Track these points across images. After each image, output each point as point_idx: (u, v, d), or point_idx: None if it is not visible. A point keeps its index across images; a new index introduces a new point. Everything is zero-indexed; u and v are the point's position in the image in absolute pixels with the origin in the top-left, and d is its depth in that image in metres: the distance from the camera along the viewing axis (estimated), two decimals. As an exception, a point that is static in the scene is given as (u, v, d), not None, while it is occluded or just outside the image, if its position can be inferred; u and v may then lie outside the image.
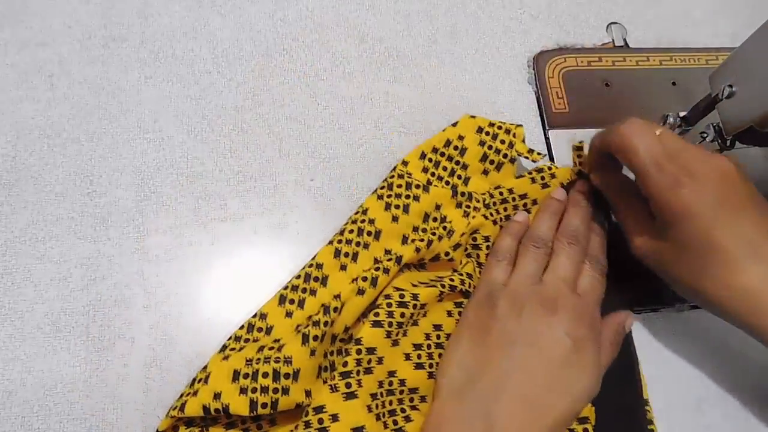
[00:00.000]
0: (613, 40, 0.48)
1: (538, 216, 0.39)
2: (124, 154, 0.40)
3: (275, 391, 0.31)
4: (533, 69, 0.46)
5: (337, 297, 0.34)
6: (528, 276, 0.35)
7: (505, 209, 0.39)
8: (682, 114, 0.38)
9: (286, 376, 0.31)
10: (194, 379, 0.33)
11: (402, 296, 0.34)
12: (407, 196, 0.38)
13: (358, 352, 0.32)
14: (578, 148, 0.40)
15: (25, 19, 0.43)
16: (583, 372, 0.32)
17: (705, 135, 0.37)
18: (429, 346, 0.35)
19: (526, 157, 0.40)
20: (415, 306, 0.34)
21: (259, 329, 0.35)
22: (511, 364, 0.32)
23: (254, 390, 0.31)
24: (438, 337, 0.35)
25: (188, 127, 0.41)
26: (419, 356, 0.34)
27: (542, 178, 0.39)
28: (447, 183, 0.39)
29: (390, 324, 0.33)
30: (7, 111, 0.40)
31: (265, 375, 0.31)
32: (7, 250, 0.37)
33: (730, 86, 0.34)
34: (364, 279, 0.34)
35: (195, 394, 0.31)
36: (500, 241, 0.38)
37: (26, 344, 0.35)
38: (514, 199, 0.39)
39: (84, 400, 0.34)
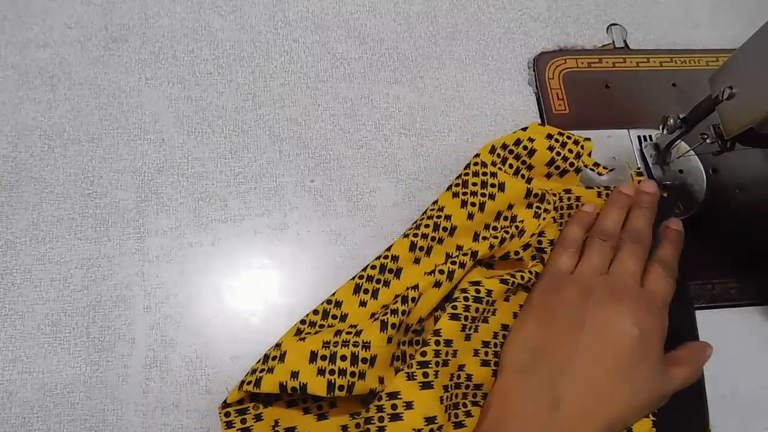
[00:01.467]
0: (613, 41, 0.48)
1: (605, 209, 0.39)
2: (124, 155, 0.40)
3: (352, 374, 0.31)
4: (533, 70, 0.46)
5: (414, 288, 0.34)
6: (594, 267, 0.36)
7: (570, 216, 0.40)
8: (682, 115, 0.38)
9: (364, 360, 0.31)
10: (266, 356, 0.33)
11: (478, 291, 0.35)
12: (483, 194, 0.38)
13: (437, 343, 0.33)
14: (639, 173, 0.42)
15: (26, 20, 0.43)
16: (647, 364, 0.32)
17: (705, 136, 0.37)
18: (496, 345, 0.35)
19: (592, 170, 0.40)
20: (488, 302, 0.35)
21: (334, 316, 0.35)
22: (576, 348, 0.32)
23: (332, 372, 0.31)
24: (504, 336, 0.36)
25: (189, 128, 0.41)
26: (486, 353, 0.35)
27: (608, 195, 0.40)
28: None
29: (466, 318, 0.34)
30: (7, 112, 0.40)
31: (344, 358, 0.31)
32: (8, 251, 0.37)
33: (731, 88, 0.34)
34: (441, 272, 0.35)
35: (270, 371, 0.31)
36: (568, 229, 0.38)
37: (26, 345, 0.35)
38: (578, 207, 0.40)
39: (84, 400, 0.34)
